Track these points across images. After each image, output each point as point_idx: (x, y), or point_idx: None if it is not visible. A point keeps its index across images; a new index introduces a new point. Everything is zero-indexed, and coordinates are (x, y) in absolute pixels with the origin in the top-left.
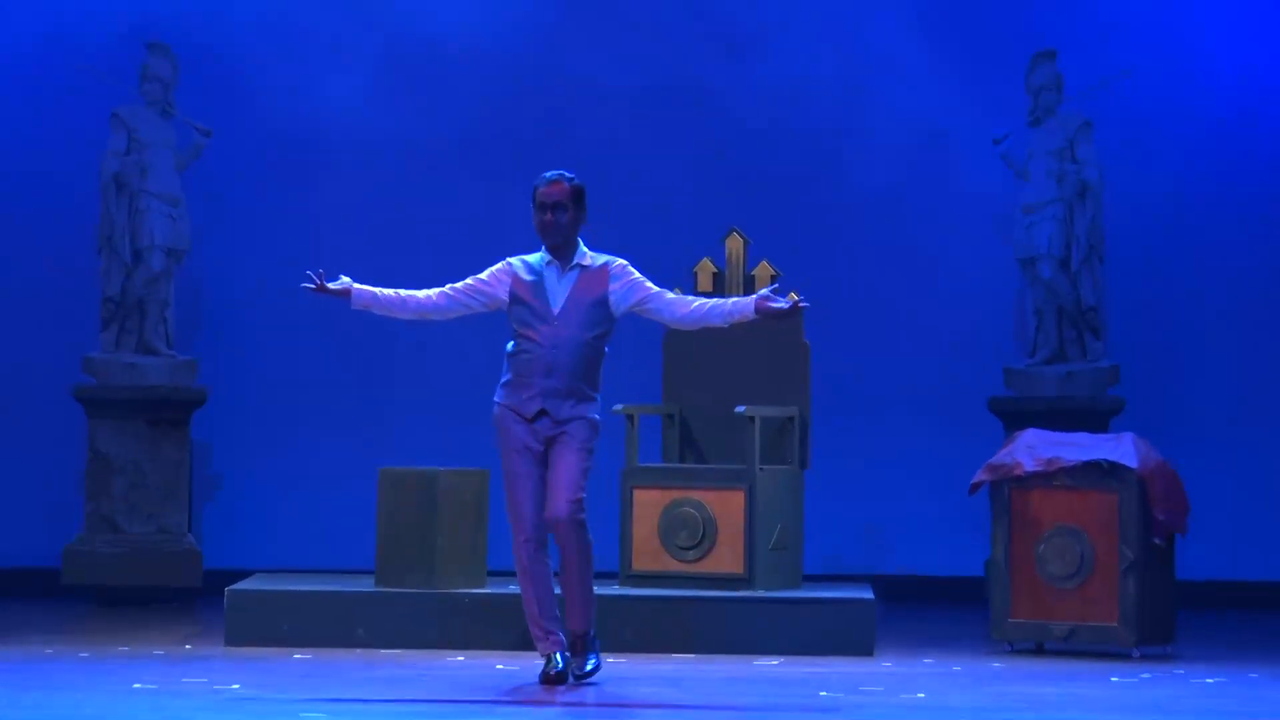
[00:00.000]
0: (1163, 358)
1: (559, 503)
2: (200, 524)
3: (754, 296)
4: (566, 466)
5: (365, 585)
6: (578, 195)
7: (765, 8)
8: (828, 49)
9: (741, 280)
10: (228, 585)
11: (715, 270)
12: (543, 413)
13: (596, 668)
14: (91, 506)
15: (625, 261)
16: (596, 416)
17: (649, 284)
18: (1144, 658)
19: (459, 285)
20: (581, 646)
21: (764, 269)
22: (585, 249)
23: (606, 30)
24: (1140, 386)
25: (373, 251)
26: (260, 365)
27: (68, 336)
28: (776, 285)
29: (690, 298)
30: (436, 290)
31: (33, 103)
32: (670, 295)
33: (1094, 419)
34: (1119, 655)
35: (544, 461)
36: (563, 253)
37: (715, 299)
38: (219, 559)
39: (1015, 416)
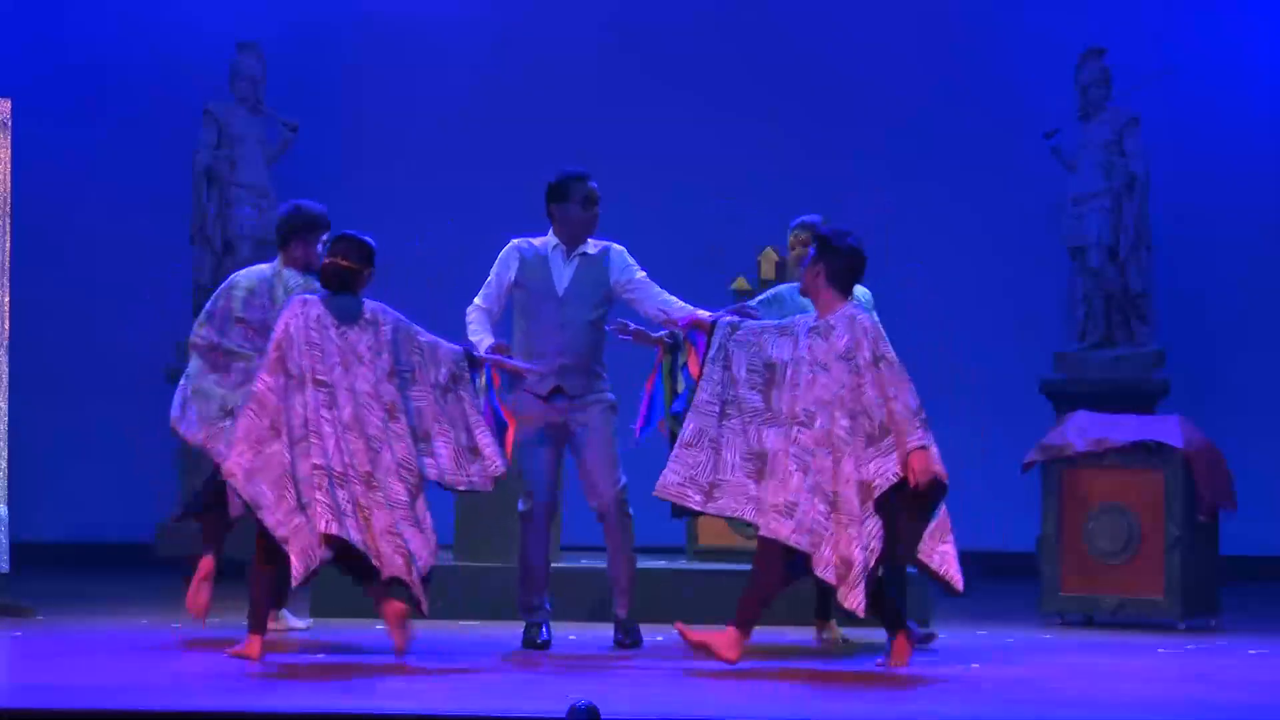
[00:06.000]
0: (1207, 342)
1: (606, 491)
2: None
3: (694, 312)
4: (603, 456)
5: (444, 559)
6: None
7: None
8: (902, 33)
9: None
10: None
11: (778, 258)
12: (559, 390)
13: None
14: (185, 484)
15: (623, 248)
16: (612, 396)
17: (639, 270)
18: (1189, 630)
19: (485, 298)
20: (627, 630)
21: None
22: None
23: (687, 10)
24: (1185, 370)
25: (455, 243)
26: None
27: (162, 323)
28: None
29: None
30: (478, 311)
31: (129, 100)
32: (654, 287)
33: (1141, 401)
34: (1165, 627)
35: (561, 437)
36: (577, 243)
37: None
38: None
39: (1065, 398)
